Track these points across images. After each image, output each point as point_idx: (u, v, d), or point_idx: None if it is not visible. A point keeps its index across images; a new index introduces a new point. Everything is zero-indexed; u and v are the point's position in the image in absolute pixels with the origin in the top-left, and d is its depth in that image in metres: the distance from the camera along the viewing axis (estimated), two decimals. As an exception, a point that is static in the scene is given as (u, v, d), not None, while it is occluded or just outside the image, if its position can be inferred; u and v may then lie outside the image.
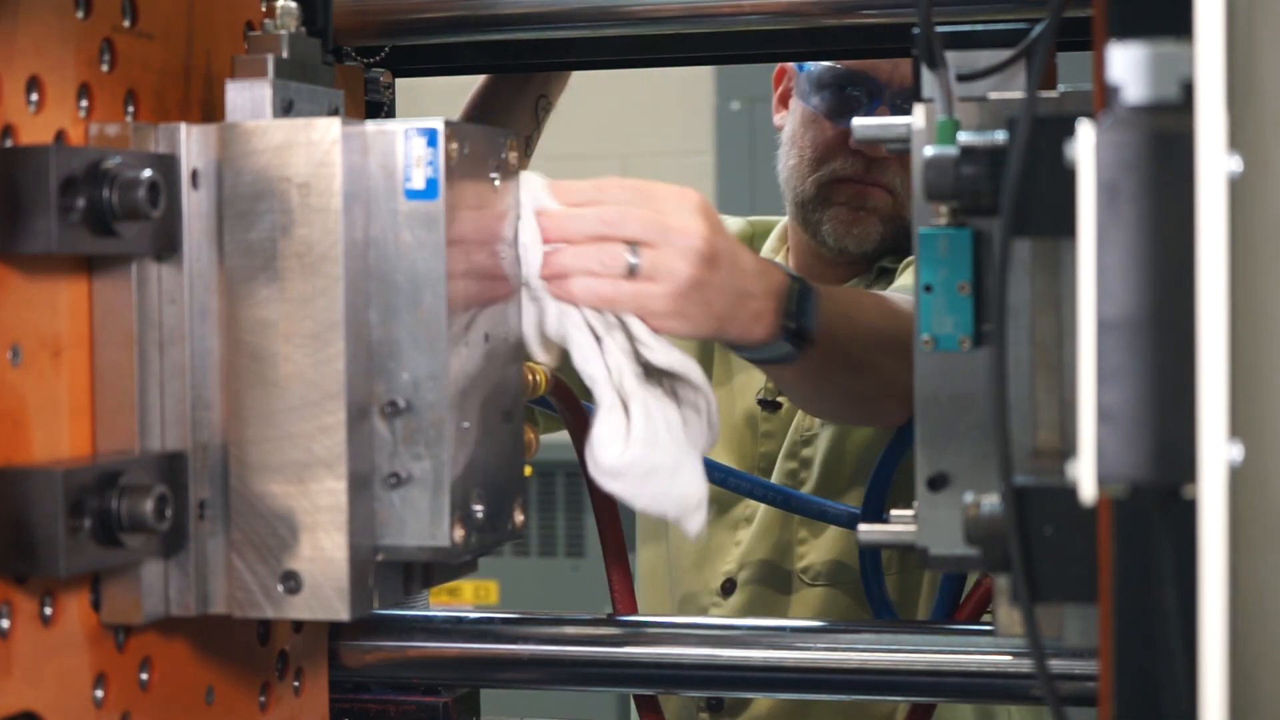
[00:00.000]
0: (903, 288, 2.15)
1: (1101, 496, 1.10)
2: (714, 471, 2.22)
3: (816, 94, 2.38)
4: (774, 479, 2.40)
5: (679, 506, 1.56)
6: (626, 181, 1.56)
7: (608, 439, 1.53)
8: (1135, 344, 1.06)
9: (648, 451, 1.53)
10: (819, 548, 2.36)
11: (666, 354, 1.55)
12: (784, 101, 2.50)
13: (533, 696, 2.12)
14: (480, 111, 2.35)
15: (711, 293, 1.57)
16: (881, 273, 2.40)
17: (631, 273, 1.53)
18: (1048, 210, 1.23)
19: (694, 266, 1.55)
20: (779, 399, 2.42)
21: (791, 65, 2.47)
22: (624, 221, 1.53)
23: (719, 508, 2.43)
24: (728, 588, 2.41)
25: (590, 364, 1.53)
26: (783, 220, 2.56)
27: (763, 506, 2.40)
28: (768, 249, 2.56)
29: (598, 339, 1.54)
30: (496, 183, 1.53)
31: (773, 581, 2.38)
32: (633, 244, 1.53)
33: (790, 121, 2.45)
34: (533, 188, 1.55)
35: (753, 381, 2.44)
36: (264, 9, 1.62)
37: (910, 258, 2.26)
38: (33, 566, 1.33)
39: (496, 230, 1.53)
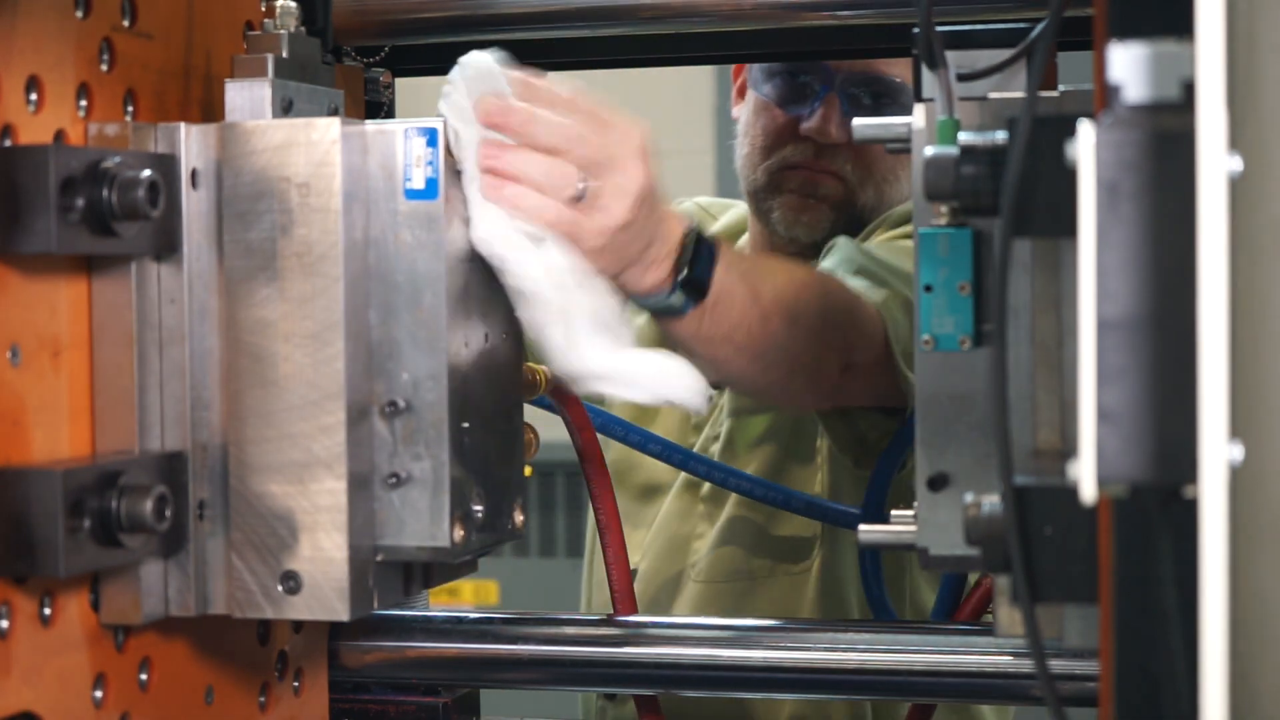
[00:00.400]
0: (835, 265, 2.14)
1: (1102, 496, 1.10)
2: (715, 471, 2.23)
3: (767, 82, 2.38)
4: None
5: (684, 388, 1.54)
6: (585, 103, 1.55)
7: (583, 344, 1.51)
8: (1135, 344, 1.06)
9: (619, 346, 1.52)
10: (706, 543, 2.36)
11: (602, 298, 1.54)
12: (741, 93, 2.51)
13: (533, 696, 2.12)
14: None
15: (630, 235, 1.57)
16: None
17: (575, 199, 1.52)
18: (1048, 210, 1.23)
19: (629, 208, 1.55)
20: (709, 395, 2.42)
21: None
22: (581, 145, 1.52)
23: (646, 495, 2.43)
24: (632, 575, 2.41)
25: (529, 274, 1.50)
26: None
27: (669, 495, 2.39)
28: (742, 240, 2.55)
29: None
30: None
31: (666, 575, 2.38)
32: (581, 170, 1.53)
33: (744, 111, 2.45)
34: (488, 71, 1.50)
35: None
36: (264, 9, 1.62)
37: (838, 238, 2.25)
38: (32, 566, 1.33)
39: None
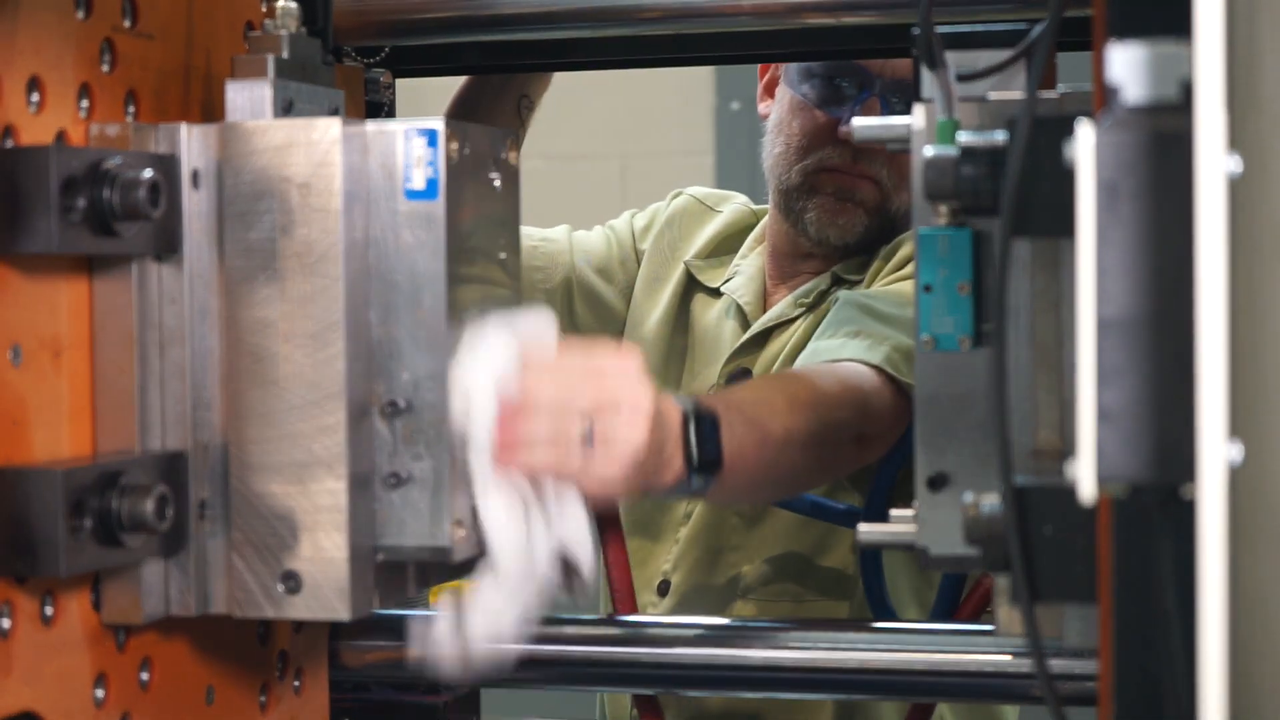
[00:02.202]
0: (826, 349, 2.11)
1: (1101, 496, 1.10)
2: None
3: (806, 82, 2.36)
4: None
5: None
6: (576, 359, 1.53)
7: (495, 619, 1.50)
8: (1135, 344, 1.06)
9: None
10: (753, 562, 2.34)
11: (579, 528, 1.52)
12: (769, 90, 2.48)
13: (533, 696, 2.12)
14: (463, 113, 2.34)
15: (646, 457, 1.55)
16: (836, 280, 2.38)
17: (585, 443, 1.50)
18: (1047, 210, 1.23)
19: (640, 441, 1.53)
20: None
21: None
22: (578, 396, 1.50)
23: (666, 506, 2.42)
24: (663, 588, 2.40)
25: (510, 542, 1.49)
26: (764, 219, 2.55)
27: (699, 506, 2.38)
28: (745, 245, 2.54)
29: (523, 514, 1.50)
30: (496, 183, 1.53)
31: (705, 589, 2.36)
32: (587, 415, 1.51)
33: (777, 109, 2.42)
34: (497, 362, 1.48)
35: (711, 377, 2.43)
36: (264, 9, 1.62)
37: (839, 293, 2.25)
38: (33, 566, 1.33)
39: (497, 230, 1.53)
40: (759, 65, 2.52)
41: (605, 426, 1.51)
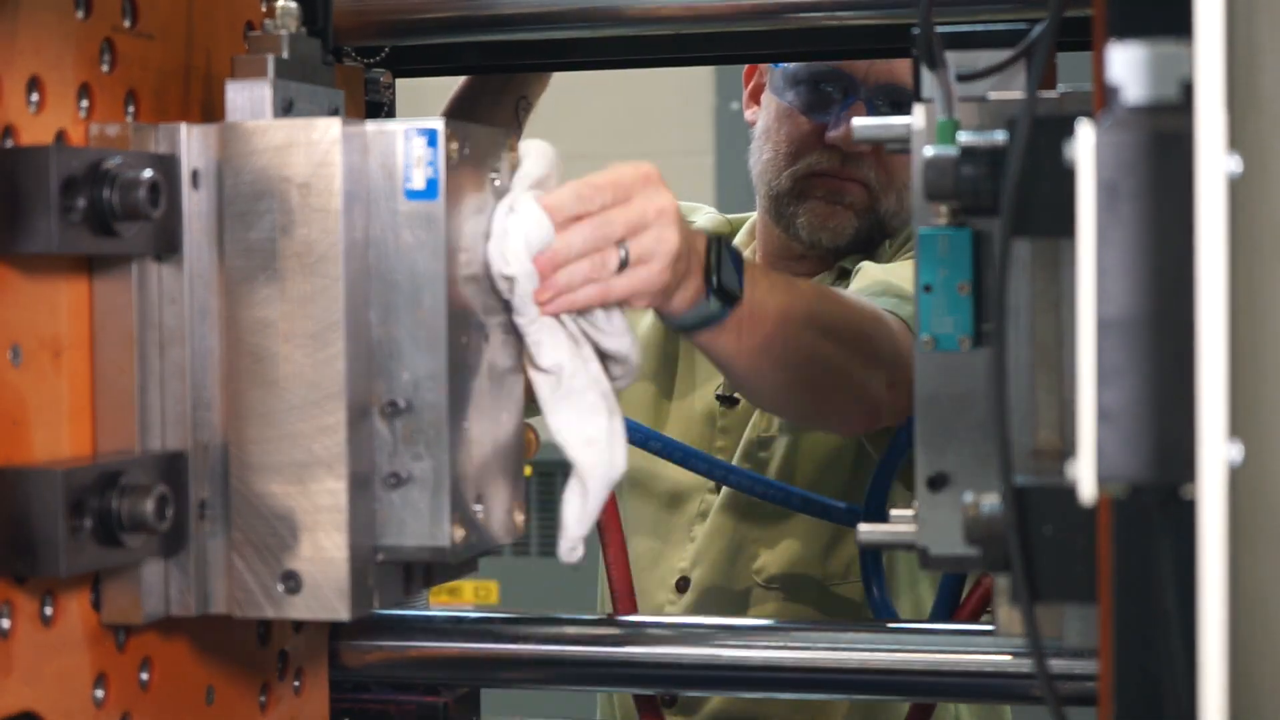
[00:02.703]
0: (859, 289, 2.15)
1: (1101, 496, 1.10)
2: (715, 469, 2.23)
3: (791, 89, 2.38)
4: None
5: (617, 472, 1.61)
6: (599, 181, 1.57)
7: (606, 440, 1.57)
8: (1135, 344, 1.06)
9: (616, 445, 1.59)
10: (774, 552, 2.35)
11: (620, 339, 1.58)
12: (755, 97, 2.50)
13: (533, 696, 2.12)
14: (461, 113, 2.35)
15: (675, 268, 1.61)
16: (842, 273, 2.39)
17: (623, 265, 1.56)
18: (1048, 210, 1.23)
19: (673, 253, 1.59)
20: (736, 395, 2.42)
21: None
22: (610, 227, 1.55)
23: (674, 502, 2.43)
24: (682, 585, 2.40)
25: (571, 362, 1.56)
26: (752, 216, 2.56)
27: (717, 502, 2.39)
28: (737, 243, 2.55)
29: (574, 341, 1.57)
30: (496, 183, 1.53)
31: (727, 583, 2.37)
32: (622, 239, 1.56)
33: (763, 116, 2.45)
34: (527, 220, 1.52)
35: (714, 378, 2.44)
36: (264, 9, 1.62)
37: (863, 264, 2.26)
38: (33, 566, 1.33)
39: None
40: (743, 73, 2.54)
41: (640, 247, 1.57)
